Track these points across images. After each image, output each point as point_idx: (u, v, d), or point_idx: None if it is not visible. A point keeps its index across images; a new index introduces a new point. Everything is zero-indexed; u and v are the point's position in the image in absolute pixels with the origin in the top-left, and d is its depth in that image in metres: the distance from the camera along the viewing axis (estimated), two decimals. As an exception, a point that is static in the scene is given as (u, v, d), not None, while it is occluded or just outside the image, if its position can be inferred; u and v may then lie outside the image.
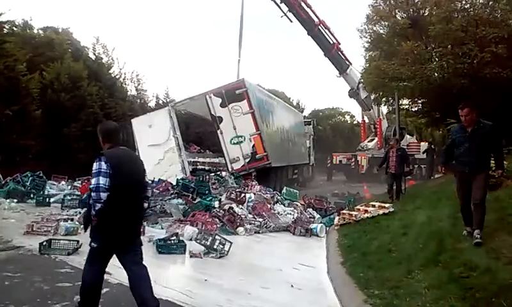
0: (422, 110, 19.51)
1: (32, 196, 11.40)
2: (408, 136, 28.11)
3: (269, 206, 10.91)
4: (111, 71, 23.92)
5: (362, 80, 21.15)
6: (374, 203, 11.10)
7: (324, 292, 6.05)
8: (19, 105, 15.92)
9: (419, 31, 15.55)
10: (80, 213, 9.43)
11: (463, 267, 5.17)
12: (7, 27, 18.02)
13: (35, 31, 22.73)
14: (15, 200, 10.78)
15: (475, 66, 13.90)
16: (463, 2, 15.13)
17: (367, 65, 18.03)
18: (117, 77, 24.17)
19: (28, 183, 12.10)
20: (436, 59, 15.11)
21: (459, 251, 5.77)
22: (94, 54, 23.95)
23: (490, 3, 14.54)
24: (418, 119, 23.62)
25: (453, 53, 14.23)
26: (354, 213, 10.49)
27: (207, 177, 12.71)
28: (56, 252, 6.61)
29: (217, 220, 9.38)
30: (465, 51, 13.85)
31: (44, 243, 6.70)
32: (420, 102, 18.53)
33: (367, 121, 30.23)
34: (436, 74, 14.88)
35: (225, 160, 14.53)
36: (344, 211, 10.98)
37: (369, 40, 17.55)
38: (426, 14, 16.03)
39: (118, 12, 77.01)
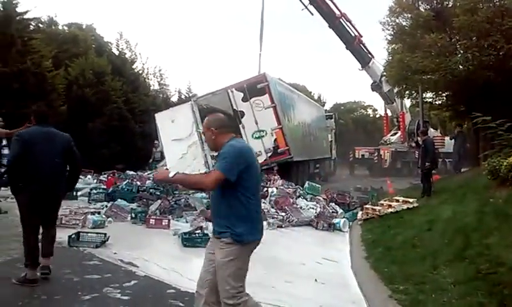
0: (446, 104, 19.22)
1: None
2: (432, 130, 27.67)
3: (291, 200, 10.93)
4: (134, 66, 24.25)
5: (385, 73, 20.93)
6: (397, 198, 11.02)
7: (348, 287, 6.06)
8: (45, 101, 16.27)
9: (443, 22, 15.28)
10: (106, 206, 9.64)
11: (489, 263, 5.11)
12: (33, 24, 18.45)
13: (60, 28, 23.18)
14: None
15: (502, 58, 13.61)
16: (489, -7, 14.79)
17: (390, 58, 17.82)
18: (140, 72, 24.48)
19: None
20: (461, 52, 14.86)
21: (486, 246, 5.70)
22: (117, 50, 24.34)
23: (517, -7, 14.17)
24: (443, 112, 23.26)
25: (478, 45, 13.95)
26: (377, 208, 10.43)
27: (230, 171, 12.75)
28: (84, 244, 6.78)
29: (240, 214, 9.43)
30: (491, 43, 13.55)
31: (73, 236, 6.88)
32: (444, 95, 18.24)
33: (389, 114, 29.92)
34: (460, 66, 14.61)
35: (247, 154, 14.54)
36: (367, 206, 10.93)
37: (392, 33, 17.32)
38: (450, 5, 15.75)
39: (141, 7, 77.72)
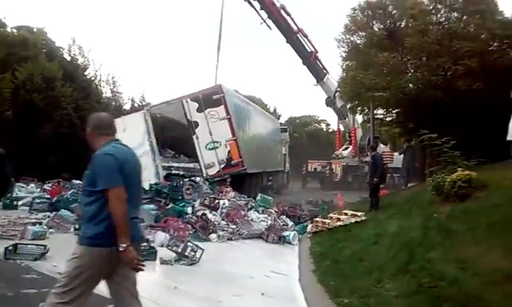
0: (396, 120, 19.81)
1: (-2, 198, 11.06)
2: (382, 145, 28.49)
3: (242, 212, 10.87)
4: (86, 72, 23.51)
5: (339, 89, 21.38)
6: (346, 211, 11.18)
7: (294, 300, 6.02)
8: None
9: (395, 42, 15.80)
10: (49, 216, 9.20)
11: (431, 277, 5.22)
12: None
13: (9, 30, 22.17)
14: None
15: (449, 78, 14.23)
16: (438, 15, 15.47)
17: (344, 74, 18.21)
18: (92, 78, 23.77)
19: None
20: (411, 71, 15.41)
21: (429, 260, 5.83)
22: (70, 55, 23.50)
23: (464, 17, 14.89)
24: (393, 129, 23.99)
25: (428, 65, 14.54)
26: (327, 221, 10.54)
27: (181, 182, 12.57)
28: (22, 257, 6.42)
29: (189, 226, 9.28)
30: (439, 64, 14.16)
31: (10, 247, 6.50)
32: (394, 112, 18.80)
33: (342, 129, 30.56)
34: (410, 85, 15.16)
35: (200, 165, 14.40)
36: (317, 219, 11.02)
37: (346, 50, 17.74)
38: (402, 26, 16.30)
39: (96, 13, 76.07)
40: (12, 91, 17.93)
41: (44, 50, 21.65)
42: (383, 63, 15.15)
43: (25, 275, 5.76)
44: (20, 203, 10.83)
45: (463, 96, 13.93)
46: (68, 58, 23.35)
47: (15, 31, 22.55)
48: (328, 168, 27.94)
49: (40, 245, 6.81)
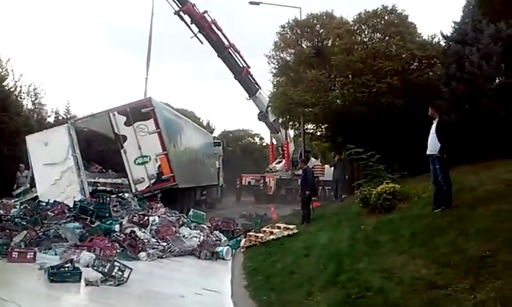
0: (325, 135, 20.43)
1: None
2: (313, 159, 29.25)
3: (173, 229, 10.61)
4: (4, 83, 21.97)
5: (270, 104, 21.70)
6: (279, 225, 11.28)
7: (226, 318, 5.94)
8: None
9: (323, 60, 16.35)
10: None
11: (359, 287, 5.36)
12: None
13: None
14: None
15: (373, 95, 14.91)
16: (363, 35, 16.24)
17: (275, 90, 18.53)
18: (11, 89, 22.25)
19: None
20: (338, 88, 15.98)
21: (356, 271, 5.99)
22: (-15, 65, 21.85)
23: (386, 38, 15.75)
24: (322, 143, 24.70)
25: (353, 82, 15.18)
26: (260, 234, 10.56)
27: (108, 199, 12.06)
28: None
29: (117, 245, 8.90)
30: (364, 81, 14.83)
31: None
32: (323, 127, 19.40)
33: (275, 143, 31.00)
34: (338, 101, 15.71)
35: (129, 181, 13.89)
36: (251, 233, 11.01)
37: (277, 66, 18.08)
38: (329, 44, 16.92)
39: (16, 21, 71.75)
40: None
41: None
42: (312, 80, 15.61)
43: None
44: None
45: (386, 112, 14.68)
46: (-16, 69, 21.71)
47: None
48: (261, 182, 28.16)
49: None
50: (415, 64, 15.68)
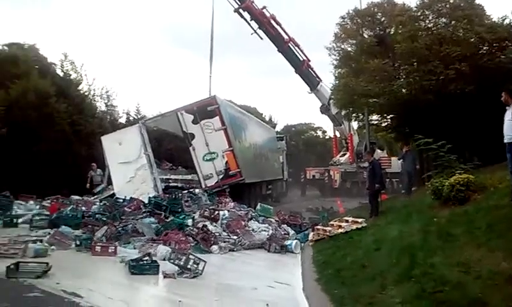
0: (391, 126, 19.95)
1: (-2, 217, 10.99)
2: (379, 151, 28.55)
3: (243, 223, 10.86)
4: (79, 87, 23.43)
5: (332, 97, 21.49)
6: (347, 218, 11.19)
7: (299, 310, 6.04)
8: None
9: (386, 48, 15.98)
10: (49, 233, 9.17)
11: (434, 282, 5.24)
12: (-32, 42, 17.44)
13: (-1, 47, 22.12)
14: (-20, 222, 10.38)
15: (441, 82, 14.36)
16: (427, 21, 15.67)
17: (337, 82, 18.36)
18: (86, 93, 23.70)
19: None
20: (403, 76, 15.55)
21: (431, 265, 5.86)
22: (62, 71, 23.42)
23: (452, 22, 15.08)
24: (388, 134, 24.11)
25: (419, 70, 14.70)
26: (328, 228, 10.55)
27: (180, 195, 12.56)
28: (24, 275, 6.35)
29: (190, 239, 9.26)
30: (430, 68, 14.31)
31: (11, 266, 6.44)
32: (389, 117, 18.95)
33: (338, 136, 30.64)
34: (403, 90, 15.30)
35: (198, 177, 14.42)
36: (318, 226, 11.03)
37: (338, 58, 17.92)
38: (392, 33, 16.48)
39: (87, 27, 76.05)
40: (5, 109, 17.87)
41: (36, 67, 21.59)
42: (375, 69, 15.31)
43: (28, 294, 5.70)
44: (20, 220, 10.75)
45: (455, 100, 14.08)
46: (61, 74, 23.26)
47: (6, 48, 22.51)
48: (326, 175, 27.95)
49: (42, 262, 6.76)
50: (484, 48, 14.92)
